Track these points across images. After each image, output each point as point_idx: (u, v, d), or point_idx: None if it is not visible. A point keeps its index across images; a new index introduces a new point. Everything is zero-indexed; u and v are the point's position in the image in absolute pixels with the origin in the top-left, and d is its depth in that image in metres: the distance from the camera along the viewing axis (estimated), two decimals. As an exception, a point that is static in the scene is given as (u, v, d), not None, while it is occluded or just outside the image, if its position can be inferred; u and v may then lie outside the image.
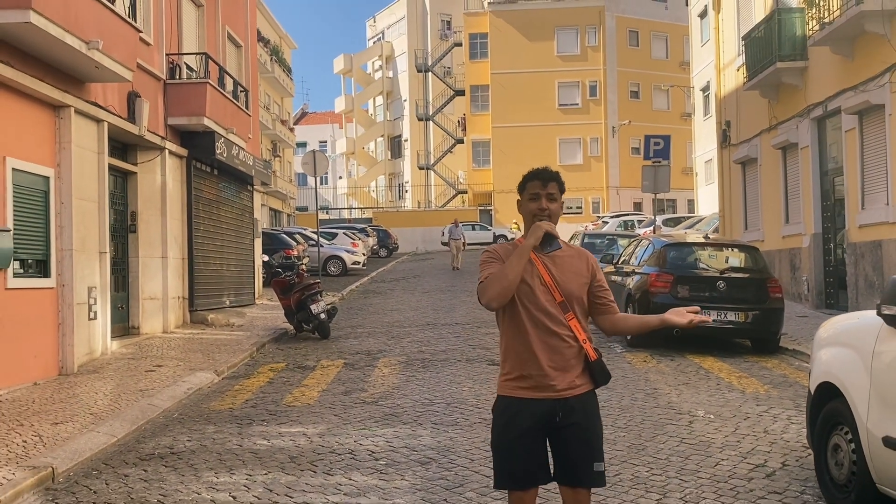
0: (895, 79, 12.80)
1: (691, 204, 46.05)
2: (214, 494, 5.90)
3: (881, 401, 4.68)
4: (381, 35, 71.07)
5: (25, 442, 7.20)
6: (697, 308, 3.60)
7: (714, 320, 11.25)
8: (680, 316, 3.54)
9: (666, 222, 33.59)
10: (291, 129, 53.88)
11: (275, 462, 6.68)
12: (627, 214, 38.46)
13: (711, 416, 7.83)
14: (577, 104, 55.16)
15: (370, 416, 8.27)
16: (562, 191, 3.72)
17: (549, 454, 3.62)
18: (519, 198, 3.76)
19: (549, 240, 3.55)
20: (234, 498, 5.82)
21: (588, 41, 55.27)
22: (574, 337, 3.56)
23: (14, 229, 9.92)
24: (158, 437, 7.72)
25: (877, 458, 4.68)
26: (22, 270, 10.33)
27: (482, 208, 55.29)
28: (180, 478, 6.35)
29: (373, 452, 6.88)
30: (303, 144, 73.11)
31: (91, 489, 6.17)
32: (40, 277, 10.71)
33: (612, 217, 38.89)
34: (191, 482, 6.23)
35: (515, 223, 50.05)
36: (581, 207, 54.34)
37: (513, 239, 4.06)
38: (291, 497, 5.78)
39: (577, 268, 3.66)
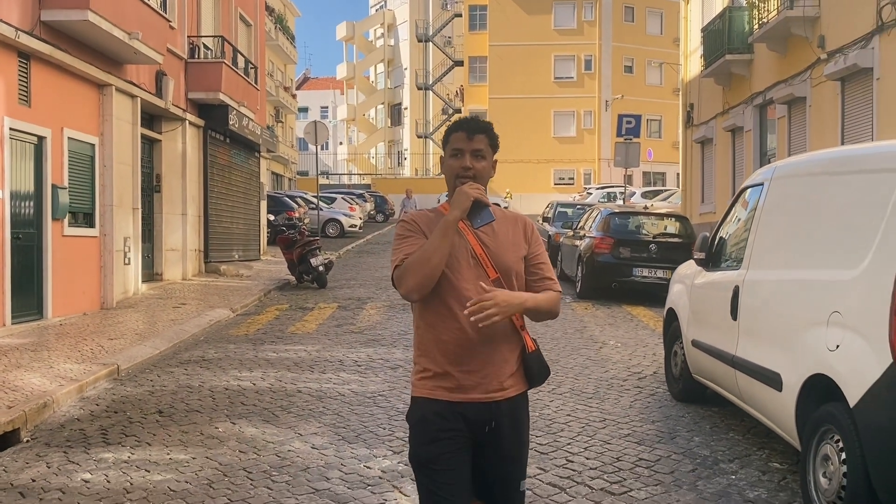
0: (815, 75, 14.94)
1: (679, 177, 48.28)
2: (239, 382, 8.20)
3: (693, 316, 6.94)
4: (383, 3, 72.60)
5: (92, 350, 9.48)
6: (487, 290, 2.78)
7: (646, 276, 13.64)
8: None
9: (645, 195, 35.86)
10: (294, 96, 55.76)
11: (283, 365, 8.97)
12: (611, 187, 40.52)
13: (620, 345, 10.12)
14: (573, 77, 56.79)
15: (357, 340, 10.56)
16: (494, 147, 2.94)
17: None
18: (441, 154, 3.00)
19: (479, 209, 2.82)
20: (253, 384, 8.11)
21: (584, 16, 56.68)
22: (510, 323, 2.86)
23: (69, 187, 12.14)
24: (192, 351, 10.01)
25: (689, 355, 6.95)
26: (74, 221, 12.54)
27: (477, 177, 57.31)
28: (213, 373, 8.65)
29: (356, 361, 9.18)
30: (304, 110, 74.93)
31: (148, 379, 8.46)
32: (87, 228, 12.94)
33: (596, 189, 41.02)
34: (221, 376, 8.52)
35: (508, 192, 52.19)
36: (573, 179, 56.38)
37: (438, 203, 3.19)
38: (295, 385, 8.07)
39: (514, 237, 2.96)
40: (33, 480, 5.40)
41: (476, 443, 2.89)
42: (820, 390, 4.57)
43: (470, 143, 2.89)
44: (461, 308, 2.77)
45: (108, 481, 5.35)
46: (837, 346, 4.38)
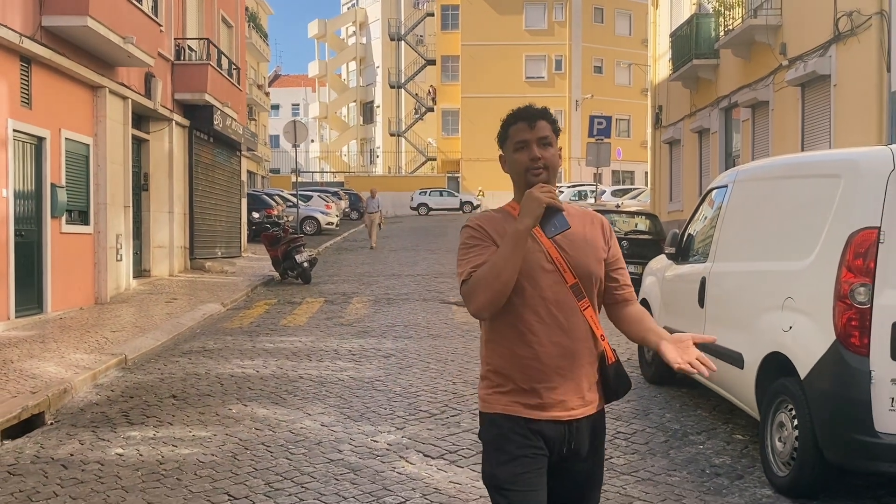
0: (777, 81, 15.78)
1: (647, 176, 49.36)
2: (244, 370, 8.76)
3: (664, 305, 7.64)
4: (354, 1, 72.88)
5: (98, 341, 9.97)
6: (712, 338, 2.79)
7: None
8: (678, 352, 2.65)
9: (615, 193, 36.78)
10: (267, 94, 56.03)
11: (281, 355, 9.54)
12: (582, 185, 41.35)
13: (595, 335, 10.79)
14: (543, 77, 57.60)
15: (347, 332, 11.15)
16: (556, 133, 2.68)
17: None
18: (501, 153, 2.75)
19: (552, 215, 2.52)
20: (257, 371, 8.67)
21: (555, 16, 57.48)
22: (590, 332, 2.68)
23: (66, 186, 12.58)
24: (191, 342, 10.54)
25: (662, 340, 7.64)
26: (70, 219, 12.97)
27: (450, 175, 58.07)
28: (217, 362, 9.20)
29: (350, 350, 9.77)
30: (276, 107, 75.12)
31: (155, 367, 8.99)
32: (83, 225, 13.38)
33: (567, 187, 41.84)
34: (224, 364, 9.07)
35: (480, 190, 52.89)
36: (544, 177, 57.17)
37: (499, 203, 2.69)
38: (296, 371, 8.65)
39: (592, 237, 2.75)
40: (71, 455, 5.94)
41: (551, 464, 2.67)
42: (776, 366, 5.25)
43: (533, 131, 2.64)
44: (537, 318, 2.61)
45: (141, 455, 5.91)
46: (790, 327, 5.07)
